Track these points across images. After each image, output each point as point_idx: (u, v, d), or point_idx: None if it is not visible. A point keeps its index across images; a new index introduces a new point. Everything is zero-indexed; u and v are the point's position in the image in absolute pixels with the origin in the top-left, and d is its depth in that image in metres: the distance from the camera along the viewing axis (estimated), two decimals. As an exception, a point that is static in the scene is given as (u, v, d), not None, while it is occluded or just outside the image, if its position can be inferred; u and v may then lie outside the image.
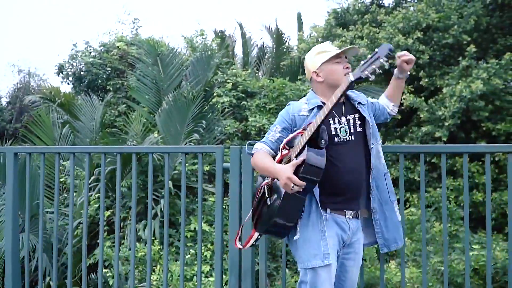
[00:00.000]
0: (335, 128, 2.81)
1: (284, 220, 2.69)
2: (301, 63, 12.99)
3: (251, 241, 2.90)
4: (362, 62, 2.58)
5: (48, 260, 7.27)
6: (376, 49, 2.59)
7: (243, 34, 15.24)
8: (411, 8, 12.54)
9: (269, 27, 16.05)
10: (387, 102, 3.12)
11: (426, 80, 11.28)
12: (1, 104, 21.57)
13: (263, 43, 15.84)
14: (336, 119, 2.84)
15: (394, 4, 13.73)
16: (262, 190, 2.84)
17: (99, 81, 10.13)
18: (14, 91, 22.33)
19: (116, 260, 3.56)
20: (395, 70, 3.04)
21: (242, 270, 3.11)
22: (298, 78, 12.54)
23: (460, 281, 7.02)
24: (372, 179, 2.86)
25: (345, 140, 2.81)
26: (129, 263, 6.50)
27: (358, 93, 3.03)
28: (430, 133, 10.50)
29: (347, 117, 2.88)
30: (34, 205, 7.17)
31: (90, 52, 10.37)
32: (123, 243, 7.00)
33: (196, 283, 6.53)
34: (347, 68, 2.85)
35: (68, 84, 10.40)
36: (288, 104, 2.98)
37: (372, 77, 2.53)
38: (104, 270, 6.53)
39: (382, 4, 14.06)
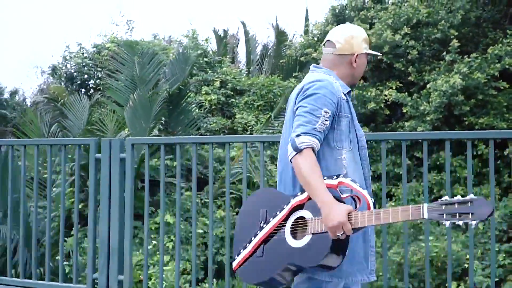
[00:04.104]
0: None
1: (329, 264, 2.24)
2: (297, 60, 13.18)
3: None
4: (446, 200, 2.05)
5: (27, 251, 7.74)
6: (473, 199, 2.01)
7: (246, 33, 15.54)
8: (405, 4, 12.56)
9: (276, 25, 16.34)
10: None
11: (415, 75, 11.33)
12: (26, 105, 22.36)
13: (267, 41, 16.14)
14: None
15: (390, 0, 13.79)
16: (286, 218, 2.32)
17: (92, 81, 10.60)
18: (38, 92, 23.18)
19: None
20: None
21: (111, 247, 3.40)
22: (294, 75, 12.74)
23: (413, 272, 7.17)
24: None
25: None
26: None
27: None
28: (414, 128, 10.56)
29: None
30: (15, 197, 7.65)
31: (83, 53, 10.85)
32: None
33: (152, 272, 6.89)
34: None
35: (60, 84, 10.93)
36: (321, 81, 2.41)
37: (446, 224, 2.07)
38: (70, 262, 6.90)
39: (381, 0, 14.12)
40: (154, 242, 7.31)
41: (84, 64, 10.36)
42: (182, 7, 39.16)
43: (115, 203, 3.40)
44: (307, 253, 2.21)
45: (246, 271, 2.38)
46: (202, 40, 12.16)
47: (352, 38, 2.55)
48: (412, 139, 9.10)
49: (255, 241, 2.35)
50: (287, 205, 2.31)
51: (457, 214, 2.00)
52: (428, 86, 10.57)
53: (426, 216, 2.04)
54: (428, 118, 10.28)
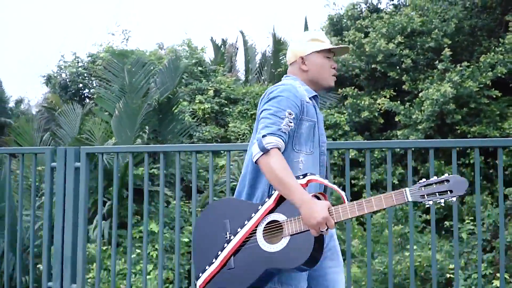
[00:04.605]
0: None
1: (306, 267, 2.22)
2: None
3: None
4: (424, 181, 2.14)
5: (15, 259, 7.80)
6: (449, 177, 2.10)
7: (245, 42, 15.61)
8: (401, 13, 12.56)
9: (274, 34, 16.40)
10: None
11: (409, 84, 11.31)
12: (32, 114, 22.58)
13: (266, 50, 16.20)
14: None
15: (390, 9, 13.80)
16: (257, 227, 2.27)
17: (86, 91, 10.70)
18: (43, 100, 23.40)
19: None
20: None
21: (64, 257, 3.43)
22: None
23: (396, 282, 7.14)
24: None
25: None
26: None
27: None
28: (407, 136, 10.54)
29: None
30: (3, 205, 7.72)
31: (78, 63, 10.97)
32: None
33: (133, 281, 6.91)
34: (334, 68, 2.54)
35: (54, 93, 11.05)
36: (284, 85, 2.43)
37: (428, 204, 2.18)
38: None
39: (378, 8, 14.13)
40: (138, 250, 7.33)
41: (78, 73, 10.46)
42: (181, 17, 39.49)
43: (69, 212, 3.42)
44: (288, 255, 2.18)
45: (217, 286, 2.32)
46: (198, 50, 12.23)
47: (294, 46, 2.58)
48: (399, 147, 9.08)
49: (223, 254, 2.30)
50: (255, 212, 2.26)
51: (437, 193, 2.09)
52: (420, 95, 10.55)
53: (410, 199, 2.11)
54: (420, 127, 10.26)
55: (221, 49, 14.50)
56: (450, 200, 2.10)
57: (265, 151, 2.24)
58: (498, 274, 5.89)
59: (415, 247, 7.39)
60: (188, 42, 12.02)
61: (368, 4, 14.25)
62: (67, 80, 10.75)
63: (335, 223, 2.16)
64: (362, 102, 11.28)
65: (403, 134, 10.57)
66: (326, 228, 2.14)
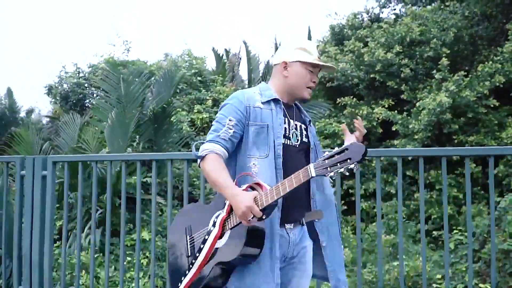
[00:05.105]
0: (286, 128, 2.50)
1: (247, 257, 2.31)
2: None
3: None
4: (327, 154, 2.16)
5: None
6: (348, 146, 2.13)
7: (248, 52, 15.68)
8: (400, 23, 12.57)
9: (275, 43, 16.49)
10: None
11: (408, 93, 11.30)
12: (42, 123, 22.88)
13: (269, 60, 16.23)
14: (286, 119, 2.52)
15: (391, 19, 13.82)
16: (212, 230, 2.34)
17: (87, 101, 10.85)
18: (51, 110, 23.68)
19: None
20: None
21: (32, 261, 3.52)
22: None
23: (384, 291, 7.12)
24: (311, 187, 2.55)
25: (294, 145, 2.52)
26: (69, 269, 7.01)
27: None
28: (404, 146, 10.52)
29: (296, 123, 2.56)
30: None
31: (78, 73, 11.13)
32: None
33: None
34: (314, 82, 2.54)
35: (55, 103, 11.21)
36: (236, 92, 2.54)
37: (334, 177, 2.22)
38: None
39: (380, 18, 14.17)
40: (128, 258, 7.39)
41: (78, 83, 10.62)
42: (185, 28, 39.82)
43: (36, 219, 3.51)
44: (228, 247, 2.29)
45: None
46: (198, 60, 12.34)
47: (282, 47, 2.60)
48: (387, 156, 9.06)
49: (196, 265, 2.35)
50: (217, 217, 2.34)
51: (338, 163, 2.12)
52: (417, 104, 10.55)
53: (313, 174, 2.16)
54: (417, 137, 10.24)
55: (223, 59, 14.58)
56: (351, 168, 2.10)
57: (200, 157, 2.38)
58: (482, 285, 5.87)
59: (404, 256, 7.37)
60: (188, 52, 12.13)
61: (369, 14, 14.32)
62: (68, 91, 10.91)
63: (263, 210, 2.21)
64: (360, 112, 11.29)
65: (400, 144, 10.56)
66: (252, 217, 2.20)
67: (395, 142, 10.64)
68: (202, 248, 2.34)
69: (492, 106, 10.31)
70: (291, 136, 2.51)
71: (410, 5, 13.65)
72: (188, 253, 2.44)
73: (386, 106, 11.35)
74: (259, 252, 2.31)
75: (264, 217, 2.23)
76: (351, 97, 11.74)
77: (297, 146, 2.52)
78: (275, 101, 2.50)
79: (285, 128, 2.49)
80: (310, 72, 2.52)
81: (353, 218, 10.24)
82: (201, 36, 36.46)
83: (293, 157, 2.48)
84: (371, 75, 11.65)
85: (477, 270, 6.46)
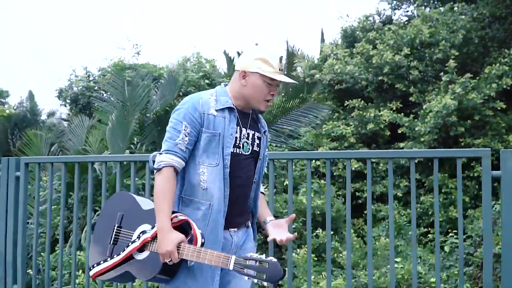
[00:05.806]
0: (236, 138, 2.46)
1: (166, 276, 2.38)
2: (304, 81, 13.24)
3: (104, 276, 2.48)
4: (251, 256, 2.18)
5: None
6: (271, 262, 2.15)
7: (260, 55, 15.64)
8: (410, 24, 12.48)
9: (287, 46, 16.52)
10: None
11: (417, 95, 11.22)
12: (64, 126, 23.32)
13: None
14: (238, 128, 2.48)
15: (402, 20, 13.74)
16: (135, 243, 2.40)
17: (96, 104, 11.03)
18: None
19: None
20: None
21: (6, 262, 3.63)
22: (300, 96, 12.75)
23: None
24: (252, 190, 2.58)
25: (244, 154, 2.50)
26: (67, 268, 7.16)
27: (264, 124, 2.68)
28: (410, 148, 10.46)
29: (248, 131, 2.52)
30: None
31: (88, 76, 11.33)
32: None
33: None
34: (272, 95, 2.47)
35: (65, 106, 11.45)
36: (191, 96, 2.48)
37: (245, 279, 2.19)
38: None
39: (392, 20, 14.06)
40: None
41: (88, 87, 10.81)
42: (196, 32, 40.13)
43: (10, 219, 3.62)
44: (143, 266, 2.37)
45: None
46: (206, 62, 12.43)
47: (244, 54, 2.52)
48: (379, 158, 8.99)
49: (111, 262, 2.44)
50: (143, 234, 2.39)
51: (255, 272, 2.14)
52: (424, 106, 10.47)
53: (231, 268, 2.18)
54: (423, 139, 10.17)
55: (234, 62, 14.66)
56: (262, 283, 2.13)
57: (157, 169, 2.35)
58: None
59: (399, 259, 7.33)
60: (197, 55, 12.24)
61: (381, 16, 14.23)
62: (78, 94, 11.12)
63: (182, 259, 2.28)
64: (368, 114, 11.24)
65: (407, 146, 10.49)
66: (169, 260, 2.27)
67: (402, 145, 10.58)
68: (121, 253, 2.41)
69: (499, 108, 10.18)
70: (241, 146, 2.48)
71: (422, 7, 13.53)
72: (110, 241, 2.47)
73: (394, 108, 11.28)
74: (170, 280, 2.38)
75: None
76: (360, 99, 11.70)
77: (247, 154, 2.50)
78: (230, 109, 2.46)
79: (236, 137, 2.45)
80: (269, 84, 2.44)
81: (358, 221, 10.21)
82: (212, 39, 36.69)
83: (243, 166, 2.48)
84: (380, 78, 11.59)
85: (470, 273, 6.42)
